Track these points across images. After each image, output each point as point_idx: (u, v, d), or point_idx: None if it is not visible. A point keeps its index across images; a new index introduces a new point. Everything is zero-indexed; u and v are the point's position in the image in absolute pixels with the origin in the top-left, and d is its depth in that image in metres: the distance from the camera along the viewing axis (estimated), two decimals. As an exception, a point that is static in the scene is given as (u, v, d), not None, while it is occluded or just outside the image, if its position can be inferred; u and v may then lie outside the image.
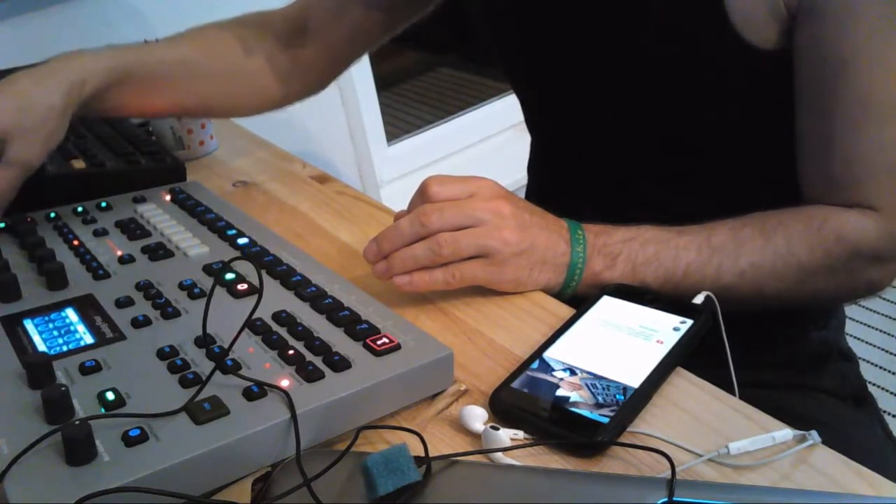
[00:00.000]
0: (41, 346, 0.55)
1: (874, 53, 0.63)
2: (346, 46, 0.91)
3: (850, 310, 0.98)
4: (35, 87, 0.70)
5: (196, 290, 0.62)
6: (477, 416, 0.51)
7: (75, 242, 0.71)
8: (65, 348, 0.55)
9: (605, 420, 0.50)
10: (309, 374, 0.50)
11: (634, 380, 0.53)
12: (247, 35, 0.87)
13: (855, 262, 0.66)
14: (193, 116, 0.97)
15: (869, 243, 0.66)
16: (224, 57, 0.85)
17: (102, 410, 0.48)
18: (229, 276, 0.64)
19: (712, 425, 0.51)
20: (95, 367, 0.52)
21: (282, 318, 0.57)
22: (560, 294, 0.65)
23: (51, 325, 0.58)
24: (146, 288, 0.63)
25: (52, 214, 0.77)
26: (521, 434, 0.50)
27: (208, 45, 0.84)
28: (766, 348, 0.78)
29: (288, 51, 0.88)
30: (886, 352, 1.81)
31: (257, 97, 0.89)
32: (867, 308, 1.91)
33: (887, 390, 1.70)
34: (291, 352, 0.53)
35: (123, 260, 0.68)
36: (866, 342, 1.83)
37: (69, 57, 0.74)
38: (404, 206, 0.66)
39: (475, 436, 0.50)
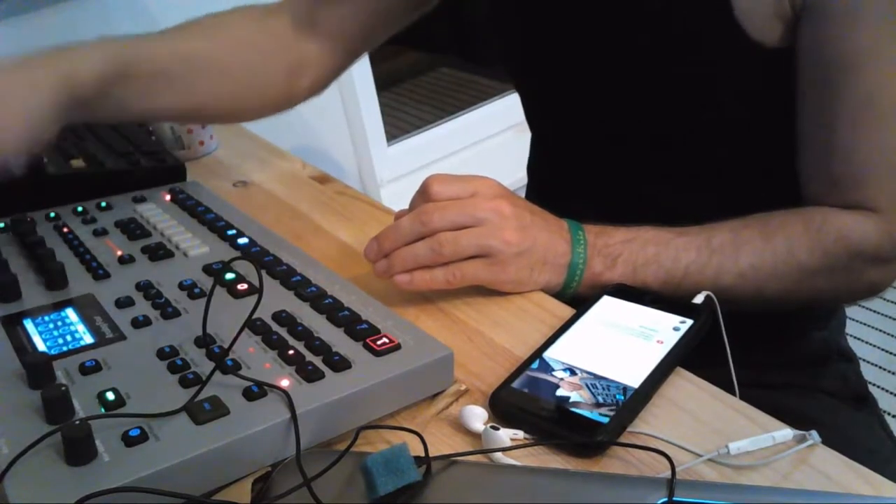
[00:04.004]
0: (41, 346, 0.55)
1: (877, 54, 0.63)
2: (350, 40, 0.86)
3: (850, 310, 0.98)
4: (20, 77, 0.62)
5: (196, 290, 0.62)
6: (477, 416, 0.51)
7: (75, 242, 0.71)
8: (65, 348, 0.55)
9: (605, 420, 0.50)
10: (309, 374, 0.50)
11: (634, 380, 0.53)
12: (250, 29, 0.82)
13: (855, 263, 0.66)
14: (195, 120, 0.92)
15: (869, 245, 0.66)
16: (229, 52, 0.78)
17: (102, 410, 0.48)
18: (229, 276, 0.64)
19: (712, 425, 0.51)
20: (95, 367, 0.52)
21: (282, 318, 0.57)
22: (560, 294, 0.65)
23: (51, 325, 0.58)
24: (146, 288, 0.63)
25: (52, 214, 0.77)
26: (521, 434, 0.50)
27: (211, 38, 0.78)
28: (766, 348, 0.78)
29: (294, 46, 0.83)
30: (886, 352, 1.81)
31: (262, 97, 0.83)
32: (867, 308, 1.91)
33: (887, 390, 1.70)
34: (291, 352, 0.53)
35: (123, 260, 0.68)
36: (866, 342, 1.83)
37: (56, 49, 0.65)
38: (404, 206, 0.66)
39: (475, 436, 0.50)
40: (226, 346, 0.53)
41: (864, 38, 0.62)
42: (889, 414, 1.60)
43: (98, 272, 0.65)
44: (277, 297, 0.61)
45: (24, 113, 0.60)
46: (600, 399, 0.52)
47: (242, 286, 0.62)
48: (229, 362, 0.51)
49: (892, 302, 1.92)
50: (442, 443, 0.51)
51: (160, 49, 0.74)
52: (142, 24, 1.31)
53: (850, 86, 0.63)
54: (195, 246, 0.70)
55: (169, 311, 0.59)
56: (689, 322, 0.59)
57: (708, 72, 0.69)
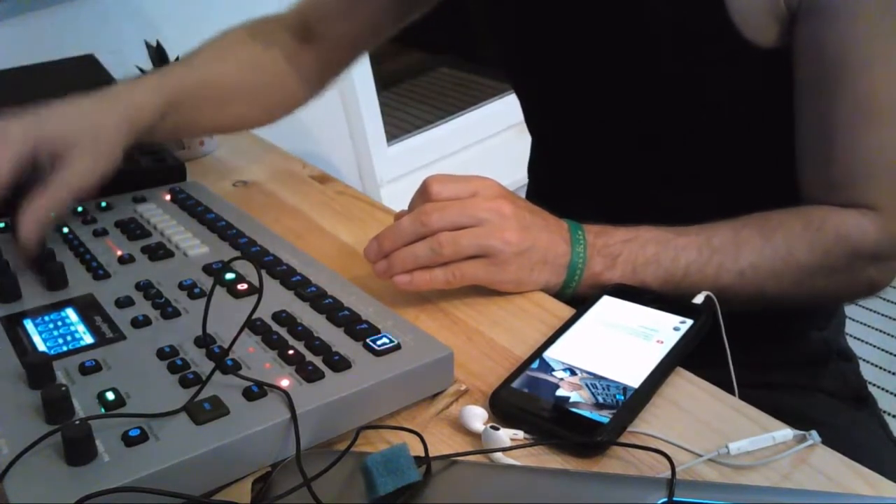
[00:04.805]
0: (41, 346, 0.55)
1: (875, 54, 0.63)
2: (347, 47, 0.92)
3: (850, 310, 0.98)
4: (95, 110, 0.70)
5: (196, 290, 0.62)
6: (477, 416, 0.51)
7: (75, 242, 0.71)
8: (65, 348, 0.55)
9: (605, 420, 0.50)
10: (309, 374, 0.50)
11: (634, 380, 0.53)
12: (255, 50, 0.87)
13: (854, 262, 0.66)
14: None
15: (868, 243, 0.66)
16: (239, 77, 0.85)
17: (102, 410, 0.48)
18: (229, 276, 0.64)
19: (712, 425, 0.51)
20: (95, 367, 0.52)
21: (282, 318, 0.57)
22: (560, 294, 0.65)
23: (51, 325, 0.58)
24: (146, 288, 0.63)
25: (52, 214, 0.77)
26: (521, 434, 0.50)
27: (224, 63, 0.85)
28: (766, 348, 0.78)
29: (295, 59, 0.88)
30: (886, 352, 1.81)
31: (269, 109, 0.90)
32: (867, 308, 1.91)
33: (887, 390, 1.70)
34: (291, 352, 0.53)
35: (123, 260, 0.68)
36: (866, 342, 1.83)
37: (123, 89, 0.76)
38: (404, 206, 0.67)
39: (475, 436, 0.50)
40: (226, 346, 0.53)
41: (861, 38, 0.62)
42: (889, 414, 1.60)
43: (98, 272, 0.65)
44: (277, 297, 0.61)
45: (108, 152, 0.69)
46: (600, 399, 0.52)
47: (242, 286, 0.62)
48: (229, 362, 0.51)
49: (892, 302, 1.92)
50: (442, 443, 0.51)
51: (193, 79, 0.81)
52: (141, 25, 1.32)
53: (848, 86, 0.63)
54: (195, 246, 0.70)
55: (169, 311, 0.59)
56: (689, 322, 0.59)
57: (706, 72, 0.69)
